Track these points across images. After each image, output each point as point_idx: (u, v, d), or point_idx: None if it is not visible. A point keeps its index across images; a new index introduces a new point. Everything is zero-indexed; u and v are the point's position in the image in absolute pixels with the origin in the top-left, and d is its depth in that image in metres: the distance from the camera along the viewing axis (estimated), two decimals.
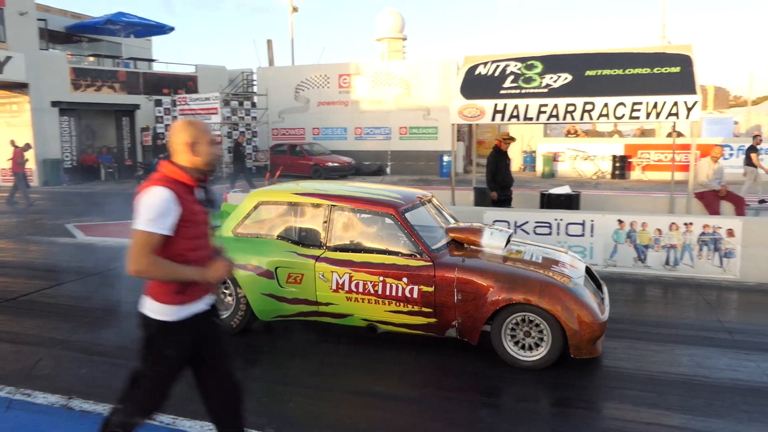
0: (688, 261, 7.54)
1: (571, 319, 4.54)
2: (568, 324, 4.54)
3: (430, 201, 5.81)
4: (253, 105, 24.81)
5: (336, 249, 5.16)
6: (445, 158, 22.35)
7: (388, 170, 23.82)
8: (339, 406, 4.23)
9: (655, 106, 8.13)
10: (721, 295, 6.95)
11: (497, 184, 9.38)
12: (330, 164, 22.08)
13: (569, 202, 9.57)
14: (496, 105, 8.85)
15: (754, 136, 15.06)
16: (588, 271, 5.52)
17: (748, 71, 62.10)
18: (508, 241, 5.32)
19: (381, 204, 5.20)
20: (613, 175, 20.93)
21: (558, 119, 8.62)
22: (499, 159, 9.44)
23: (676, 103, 8.05)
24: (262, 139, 24.59)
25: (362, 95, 24.21)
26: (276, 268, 5.20)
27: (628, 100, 8.26)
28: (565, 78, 8.83)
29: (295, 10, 29.25)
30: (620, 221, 7.82)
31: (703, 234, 7.46)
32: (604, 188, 17.86)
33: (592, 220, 7.94)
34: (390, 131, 23.93)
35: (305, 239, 5.32)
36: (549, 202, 9.69)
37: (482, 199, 9.72)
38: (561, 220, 8.01)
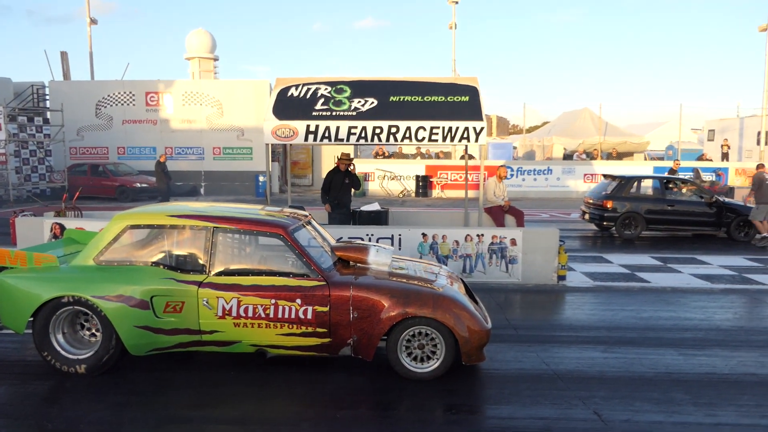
0: (481, 268, 8.49)
1: (463, 328, 4.78)
2: (460, 334, 4.77)
3: (309, 222, 5.74)
4: (46, 121, 22.51)
5: (221, 273, 4.93)
6: (261, 178, 22.27)
7: (202, 191, 23.11)
8: None
9: (450, 130, 9.08)
10: (508, 297, 7.93)
11: (330, 199, 9.99)
12: (138, 185, 20.78)
13: (379, 218, 10.25)
14: (308, 126, 9.19)
15: (674, 161, 17.65)
16: (463, 283, 5.90)
17: (522, 104, 71.41)
18: None
19: (268, 224, 5.08)
20: (417, 194, 22.60)
21: (367, 140, 9.23)
22: (334, 177, 10.05)
23: (467, 129, 9.08)
24: (57, 159, 22.39)
25: (172, 114, 23.23)
26: (152, 297, 4.80)
27: (428, 124, 9.12)
28: (371, 102, 9.48)
29: (93, 22, 27.17)
30: (424, 234, 8.56)
31: (492, 244, 8.45)
32: (410, 205, 19.20)
33: (399, 234, 8.58)
34: (203, 151, 23.28)
35: (185, 264, 5.00)
36: (360, 218, 10.25)
37: None
38: (372, 234, 8.53)
